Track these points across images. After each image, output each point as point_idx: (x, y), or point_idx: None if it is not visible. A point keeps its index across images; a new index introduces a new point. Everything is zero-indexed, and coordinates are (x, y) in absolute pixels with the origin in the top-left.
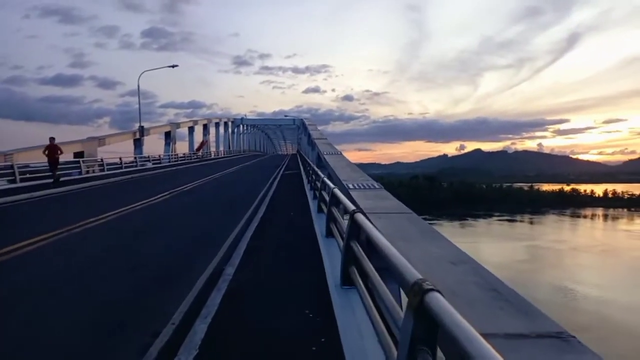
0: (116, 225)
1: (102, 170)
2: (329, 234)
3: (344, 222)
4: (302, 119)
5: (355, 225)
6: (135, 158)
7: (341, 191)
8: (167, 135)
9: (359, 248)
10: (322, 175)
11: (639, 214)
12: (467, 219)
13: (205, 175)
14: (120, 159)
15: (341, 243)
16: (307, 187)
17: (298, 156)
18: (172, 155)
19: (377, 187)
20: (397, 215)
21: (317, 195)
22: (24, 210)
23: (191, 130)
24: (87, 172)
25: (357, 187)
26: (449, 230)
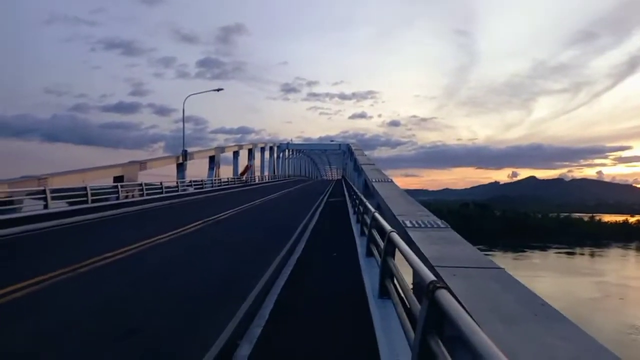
0: (125, 266)
1: (142, 195)
2: (384, 293)
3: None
4: (347, 144)
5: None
6: (177, 182)
7: (395, 228)
8: (212, 159)
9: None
10: (373, 210)
11: None
12: (524, 250)
13: (245, 201)
14: (161, 183)
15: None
16: (352, 219)
17: (343, 182)
18: (215, 179)
19: (442, 226)
20: (477, 272)
21: (366, 232)
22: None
23: (236, 154)
24: (126, 196)
25: (416, 225)
26: (503, 262)
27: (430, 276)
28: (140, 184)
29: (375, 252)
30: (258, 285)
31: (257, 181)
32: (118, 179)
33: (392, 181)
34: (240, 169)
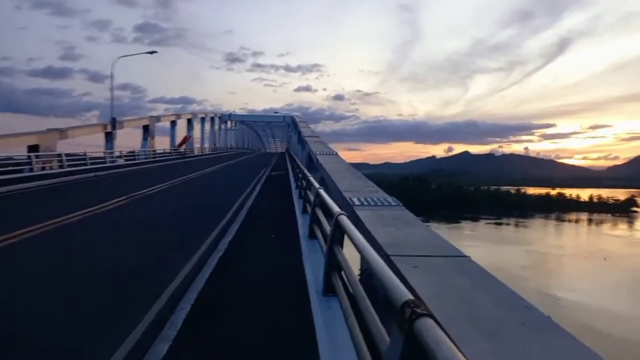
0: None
1: (62, 166)
2: (330, 290)
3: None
4: (292, 116)
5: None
6: (104, 153)
7: (342, 207)
8: (146, 129)
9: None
10: (317, 185)
11: (623, 220)
12: (458, 221)
13: (180, 175)
14: (84, 153)
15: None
16: (295, 194)
17: (287, 155)
18: (149, 151)
19: (393, 204)
20: (441, 262)
21: (309, 210)
22: None
23: (173, 124)
24: (43, 168)
25: (365, 203)
26: (439, 232)
27: (402, 292)
28: (60, 154)
29: (319, 235)
30: (177, 278)
31: (196, 153)
32: (33, 148)
33: (337, 154)
34: (178, 140)
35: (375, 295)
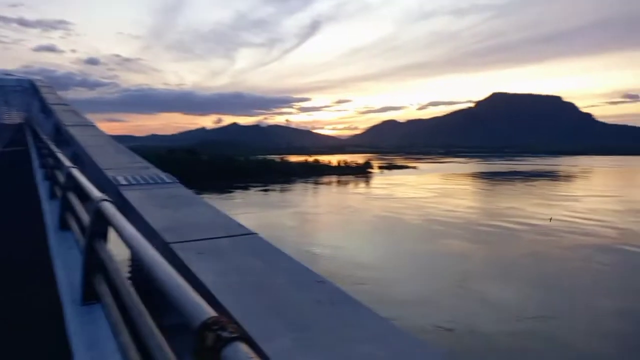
0: None
1: None
2: (90, 297)
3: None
4: (31, 80)
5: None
6: None
7: (105, 189)
8: None
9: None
10: (68, 164)
11: (363, 179)
12: (231, 191)
13: None
14: None
15: None
16: (39, 175)
17: (26, 126)
18: None
19: (168, 181)
20: (228, 244)
21: (59, 195)
22: None
23: None
24: None
25: (133, 181)
26: (214, 203)
27: (195, 304)
28: None
29: (75, 226)
30: None
31: None
32: None
33: (94, 126)
34: None
35: (157, 302)
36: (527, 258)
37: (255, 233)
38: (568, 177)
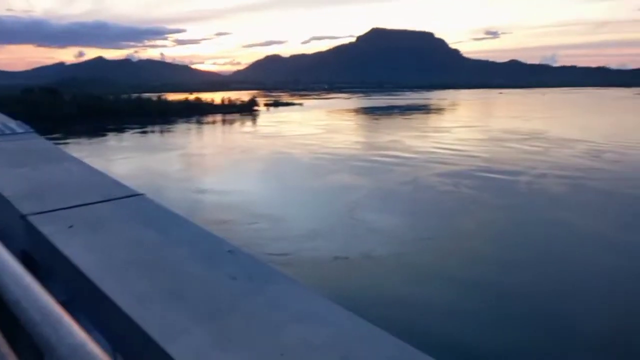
0: None
1: None
2: None
3: None
4: None
5: None
6: None
7: None
8: None
9: None
10: None
11: (249, 118)
12: (103, 134)
13: None
14: None
15: None
16: None
17: None
18: None
19: (20, 130)
20: (107, 210)
21: None
22: None
23: None
24: None
25: None
26: (81, 149)
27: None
28: None
29: None
30: None
31: None
32: None
33: None
34: None
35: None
36: (408, 186)
37: (142, 193)
38: (439, 110)
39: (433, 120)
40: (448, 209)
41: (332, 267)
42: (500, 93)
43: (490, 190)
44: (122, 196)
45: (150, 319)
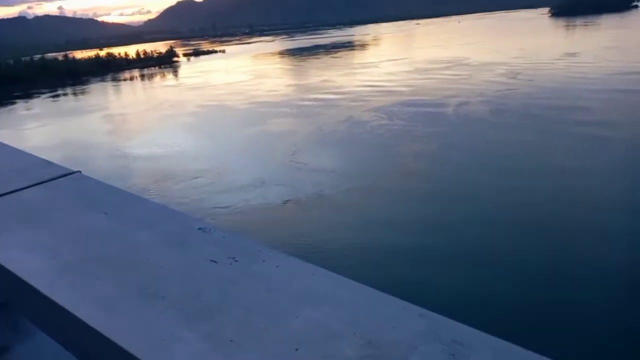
0: None
1: None
2: None
3: None
4: None
5: None
6: None
7: None
8: None
9: None
10: None
11: (170, 70)
12: (11, 103)
13: None
14: None
15: None
16: None
17: None
18: None
19: None
20: (41, 192)
21: None
22: None
23: None
24: None
25: None
26: None
27: None
28: None
29: None
30: None
31: None
32: None
33: None
34: None
35: None
36: (344, 124)
37: (78, 171)
38: (364, 46)
39: (359, 56)
40: (385, 143)
41: (285, 210)
42: (418, 24)
43: (423, 121)
44: (55, 177)
45: (124, 330)
